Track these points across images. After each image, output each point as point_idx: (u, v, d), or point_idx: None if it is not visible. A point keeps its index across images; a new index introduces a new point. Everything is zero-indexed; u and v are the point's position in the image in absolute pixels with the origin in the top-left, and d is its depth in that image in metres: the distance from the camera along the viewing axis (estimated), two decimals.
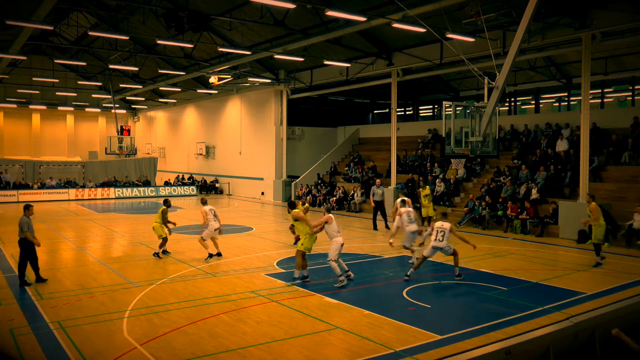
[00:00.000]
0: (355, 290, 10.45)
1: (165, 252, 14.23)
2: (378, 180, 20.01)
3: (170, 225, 14.24)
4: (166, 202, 14.50)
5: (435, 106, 34.07)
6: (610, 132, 20.09)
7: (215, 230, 13.62)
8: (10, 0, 20.82)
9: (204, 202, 14.32)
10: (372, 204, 19.41)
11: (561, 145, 20.88)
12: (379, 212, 19.49)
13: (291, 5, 16.10)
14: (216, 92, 34.78)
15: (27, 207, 11.31)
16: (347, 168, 29.56)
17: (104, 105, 44.25)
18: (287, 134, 31.71)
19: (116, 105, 41.63)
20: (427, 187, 18.97)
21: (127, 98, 43.67)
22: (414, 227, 13.03)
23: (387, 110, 30.94)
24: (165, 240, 14.06)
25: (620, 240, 15.96)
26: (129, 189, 34.06)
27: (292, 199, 29.03)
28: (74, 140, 45.29)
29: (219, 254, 13.68)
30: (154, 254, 13.90)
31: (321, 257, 13.30)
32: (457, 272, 11.57)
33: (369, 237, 17.82)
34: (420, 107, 35.68)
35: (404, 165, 26.48)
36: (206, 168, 38.42)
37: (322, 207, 26.18)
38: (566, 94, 26.74)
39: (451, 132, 13.88)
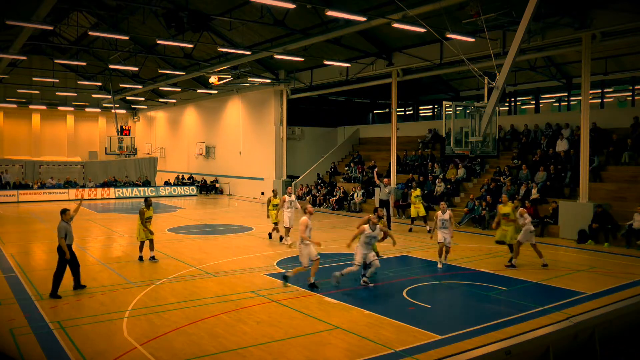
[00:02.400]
0: (355, 290, 10.44)
1: (152, 258, 13.26)
2: (386, 179, 20.07)
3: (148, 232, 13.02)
4: (146, 201, 13.35)
5: (435, 106, 34.07)
6: (610, 132, 20.09)
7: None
8: (10, 0, 20.80)
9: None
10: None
11: (561, 145, 20.87)
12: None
13: (291, 5, 16.09)
14: (216, 92, 34.77)
15: (64, 212, 10.27)
16: (347, 168, 29.57)
17: (104, 105, 44.24)
18: (287, 134, 31.71)
19: (116, 105, 41.63)
20: (418, 189, 19.79)
21: (127, 98, 43.67)
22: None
23: (387, 110, 30.93)
24: (143, 243, 13.25)
25: (621, 241, 15.96)
26: (129, 189, 34.06)
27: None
28: (74, 140, 45.28)
29: (285, 277, 10.79)
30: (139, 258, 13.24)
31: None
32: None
33: None
34: (420, 107, 35.68)
35: (404, 165, 26.48)
36: (206, 168, 38.42)
37: (322, 207, 26.19)
38: (566, 94, 26.75)
39: (451, 132, 13.88)
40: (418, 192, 19.28)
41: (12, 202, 29.48)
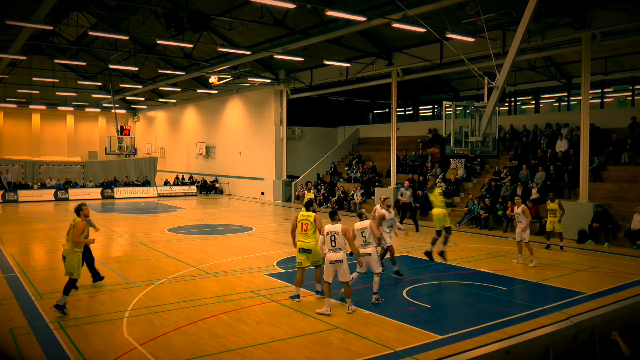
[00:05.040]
0: (355, 290, 10.43)
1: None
2: (407, 182, 19.97)
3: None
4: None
5: (435, 106, 34.07)
6: (610, 132, 20.09)
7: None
8: (10, 0, 20.80)
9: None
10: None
11: (561, 145, 20.86)
12: (407, 214, 19.76)
13: (291, 5, 16.09)
14: (216, 92, 34.77)
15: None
16: (347, 168, 29.57)
17: (104, 105, 44.22)
18: (287, 134, 31.71)
19: (116, 105, 41.61)
20: (557, 199, 15.74)
21: (127, 98, 43.65)
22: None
23: (387, 110, 30.94)
24: None
25: (621, 240, 15.96)
26: (129, 189, 34.06)
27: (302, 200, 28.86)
28: (74, 140, 45.26)
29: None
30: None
31: None
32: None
33: None
34: (420, 107, 35.68)
35: (404, 165, 26.48)
36: (206, 168, 38.41)
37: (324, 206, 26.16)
38: (566, 94, 26.75)
39: (451, 132, 13.87)
40: (557, 204, 15.38)
41: (12, 201, 29.46)
